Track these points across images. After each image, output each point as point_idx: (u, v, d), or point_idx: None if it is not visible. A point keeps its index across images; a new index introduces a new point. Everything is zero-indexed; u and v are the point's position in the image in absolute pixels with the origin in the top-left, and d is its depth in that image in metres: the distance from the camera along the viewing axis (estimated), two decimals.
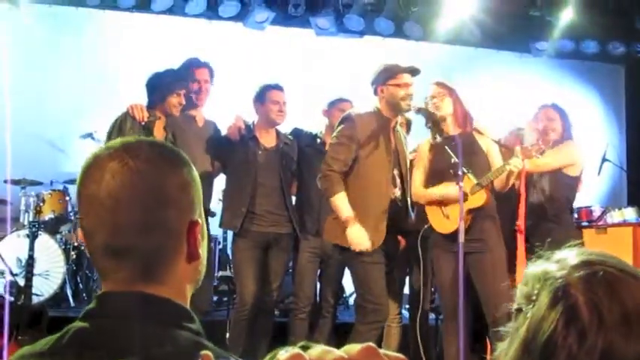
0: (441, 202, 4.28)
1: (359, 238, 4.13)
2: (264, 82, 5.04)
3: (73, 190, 6.65)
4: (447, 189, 4.22)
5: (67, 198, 6.49)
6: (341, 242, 4.26)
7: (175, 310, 1.16)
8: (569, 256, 1.05)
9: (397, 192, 4.38)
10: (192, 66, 4.91)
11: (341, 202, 4.18)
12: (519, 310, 1.05)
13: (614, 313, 0.95)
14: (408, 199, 4.44)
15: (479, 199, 4.16)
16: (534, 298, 1.02)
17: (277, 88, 4.98)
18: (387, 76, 4.32)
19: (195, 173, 1.27)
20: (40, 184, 6.48)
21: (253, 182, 4.80)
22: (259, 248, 4.79)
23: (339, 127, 4.35)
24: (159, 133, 4.52)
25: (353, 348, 0.62)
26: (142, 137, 1.32)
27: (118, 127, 4.39)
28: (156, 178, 1.19)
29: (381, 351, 0.62)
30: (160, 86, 4.51)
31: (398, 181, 4.39)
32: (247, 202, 4.76)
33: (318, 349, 0.62)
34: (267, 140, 4.97)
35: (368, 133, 4.28)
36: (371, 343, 0.62)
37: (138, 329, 1.09)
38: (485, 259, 4.20)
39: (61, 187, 6.60)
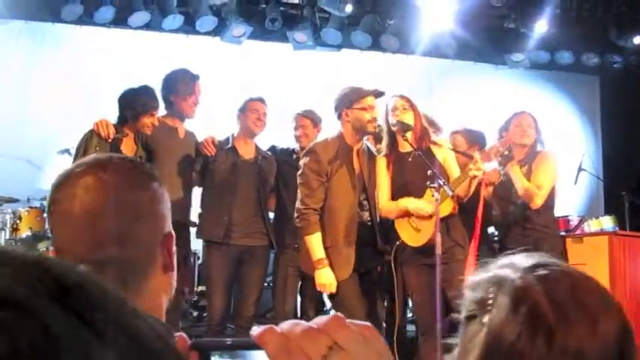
0: (410, 216, 4.30)
1: (326, 282, 4.20)
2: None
3: None
4: (418, 202, 4.25)
5: (45, 215, 6.43)
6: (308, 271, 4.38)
7: None
8: (518, 260, 1.03)
9: (366, 214, 4.44)
10: (195, 79, 4.93)
11: (314, 244, 4.23)
12: (472, 318, 1.02)
13: (577, 311, 0.94)
14: (376, 221, 4.47)
15: (446, 208, 4.19)
16: (490, 303, 0.99)
17: (258, 99, 5.09)
18: (352, 99, 4.33)
19: (163, 187, 1.28)
20: (16, 201, 6.40)
21: (231, 192, 4.82)
22: (233, 261, 4.78)
23: (305, 162, 4.37)
24: (128, 149, 4.49)
25: (322, 319, 0.63)
26: (112, 153, 1.33)
27: (84, 145, 4.37)
28: (129, 192, 1.20)
29: (348, 321, 0.63)
30: (134, 104, 4.48)
31: (365, 204, 4.43)
32: (228, 211, 4.76)
33: (288, 322, 0.64)
34: (246, 152, 5.00)
35: (332, 163, 4.32)
36: (338, 313, 0.64)
37: None
38: (455, 269, 4.22)
39: (38, 204, 6.53)
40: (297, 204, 4.33)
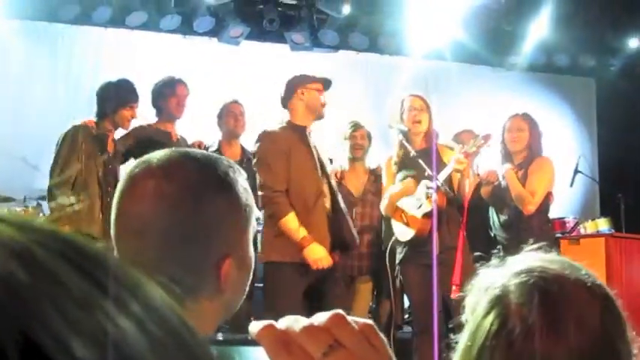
0: (402, 211, 4.32)
1: (320, 255, 3.96)
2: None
3: (47, 206, 6.58)
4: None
5: (41, 215, 6.41)
6: (277, 258, 4.07)
7: None
8: (518, 262, 1.01)
9: (327, 203, 4.18)
10: (178, 82, 5.01)
11: (293, 224, 3.95)
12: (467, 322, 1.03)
13: (543, 322, 0.92)
14: (343, 209, 4.27)
15: (430, 201, 4.21)
16: (476, 307, 0.99)
17: (232, 102, 5.26)
18: (308, 79, 4.30)
19: (243, 197, 1.16)
20: (12, 200, 6.39)
21: None
22: None
23: (258, 147, 4.22)
24: (109, 147, 4.51)
25: (322, 316, 0.62)
26: (188, 153, 1.19)
27: (69, 140, 4.36)
28: (188, 207, 1.09)
29: (349, 318, 0.63)
30: (113, 97, 4.48)
31: (327, 191, 4.21)
32: None
33: (288, 318, 0.63)
34: (231, 154, 5.05)
35: (288, 147, 4.11)
36: (339, 311, 0.63)
37: None
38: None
39: (34, 203, 6.52)
40: (259, 192, 3.98)
